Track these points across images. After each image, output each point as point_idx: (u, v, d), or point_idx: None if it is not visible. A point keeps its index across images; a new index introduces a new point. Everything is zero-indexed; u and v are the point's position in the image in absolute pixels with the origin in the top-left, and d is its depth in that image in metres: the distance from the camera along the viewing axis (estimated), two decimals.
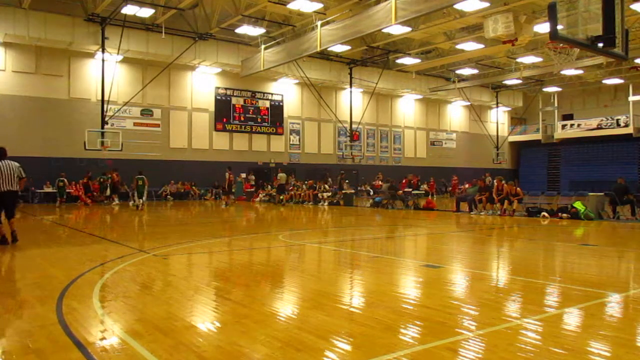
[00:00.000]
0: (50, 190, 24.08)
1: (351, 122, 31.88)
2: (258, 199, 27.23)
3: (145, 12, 22.07)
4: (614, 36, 8.05)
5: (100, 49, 23.43)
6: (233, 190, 24.21)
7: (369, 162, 34.91)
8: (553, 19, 7.88)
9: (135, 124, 26.54)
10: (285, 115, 31.82)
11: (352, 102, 32.06)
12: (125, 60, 25.54)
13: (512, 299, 5.44)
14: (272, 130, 31.31)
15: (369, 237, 11.66)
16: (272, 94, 31.35)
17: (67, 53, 24.51)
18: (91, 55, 24.97)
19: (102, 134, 23.11)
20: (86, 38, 23.38)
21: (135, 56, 25.48)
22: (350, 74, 31.13)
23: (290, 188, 25.94)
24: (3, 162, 9.08)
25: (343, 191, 25.29)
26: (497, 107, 39.82)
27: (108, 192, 23.37)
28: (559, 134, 38.21)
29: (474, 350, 3.67)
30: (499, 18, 18.68)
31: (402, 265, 7.77)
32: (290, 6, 21.18)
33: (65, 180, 22.72)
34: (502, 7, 18.92)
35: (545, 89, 36.95)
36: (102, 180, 23.35)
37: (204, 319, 4.60)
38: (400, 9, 16.51)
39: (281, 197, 24.31)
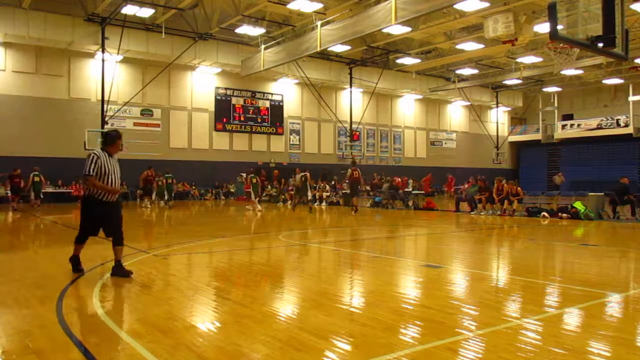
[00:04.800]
0: (51, 190, 24.07)
1: (351, 122, 31.88)
2: (258, 199, 27.18)
3: (145, 12, 22.06)
4: (614, 36, 8.04)
5: (100, 49, 23.43)
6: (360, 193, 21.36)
7: (369, 162, 34.90)
8: (553, 19, 7.87)
9: (135, 124, 26.53)
10: (285, 115, 31.82)
11: (352, 102, 32.06)
12: (125, 60, 25.54)
13: (512, 299, 5.44)
14: (272, 130, 31.31)
15: (369, 237, 11.65)
16: (272, 94, 31.35)
17: (67, 53, 24.51)
18: (91, 55, 24.98)
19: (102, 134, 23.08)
20: (86, 38, 23.38)
21: (135, 56, 25.48)
22: (350, 74, 31.13)
23: (290, 188, 25.87)
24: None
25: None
26: (497, 107, 39.81)
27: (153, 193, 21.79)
28: (559, 134, 38.19)
29: (474, 350, 3.67)
30: (499, 18, 18.68)
31: (402, 265, 7.77)
32: (290, 6, 21.17)
33: (42, 176, 19.90)
34: (502, 7, 18.91)
35: (545, 89, 36.94)
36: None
37: (204, 319, 4.60)
38: (400, 9, 16.50)
39: (309, 202, 21.30)
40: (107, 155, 6.27)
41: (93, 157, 6.17)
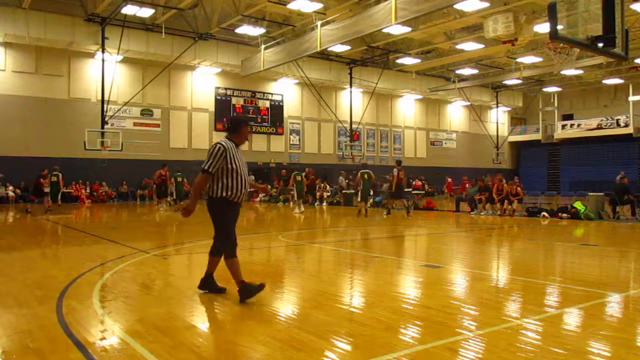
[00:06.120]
0: (50, 189, 24.01)
1: (351, 122, 31.87)
2: (258, 199, 27.25)
3: (145, 12, 22.06)
4: (614, 36, 8.03)
5: (100, 49, 23.43)
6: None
7: (369, 162, 34.87)
8: (553, 19, 7.86)
9: (135, 124, 26.53)
10: (285, 115, 31.82)
11: (352, 102, 32.05)
12: (125, 60, 25.54)
13: (512, 299, 5.44)
14: (272, 130, 31.31)
15: (368, 237, 11.65)
16: (272, 94, 31.35)
17: (67, 53, 24.51)
18: (91, 55, 24.97)
19: (102, 134, 23.12)
20: (86, 38, 23.38)
21: (135, 56, 25.48)
22: (350, 74, 31.13)
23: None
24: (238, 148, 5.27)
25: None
26: (497, 107, 39.81)
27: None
28: (559, 134, 38.20)
29: (474, 350, 3.67)
30: (499, 18, 18.67)
31: (402, 265, 7.77)
32: (290, 6, 21.18)
33: (60, 175, 18.44)
34: (502, 7, 18.91)
35: (545, 89, 36.94)
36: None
37: (204, 319, 4.60)
38: (400, 9, 16.50)
39: (366, 204, 17.63)
40: (235, 146, 5.16)
41: (220, 149, 5.00)
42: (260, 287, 5.03)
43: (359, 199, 17.50)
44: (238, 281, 5.05)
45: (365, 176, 16.87)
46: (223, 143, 5.06)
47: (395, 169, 16.95)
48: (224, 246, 5.25)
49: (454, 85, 33.83)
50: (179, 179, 19.81)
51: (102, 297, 5.20)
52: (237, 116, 5.16)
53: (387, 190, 21.93)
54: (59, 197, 18.89)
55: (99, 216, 17.47)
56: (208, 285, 5.35)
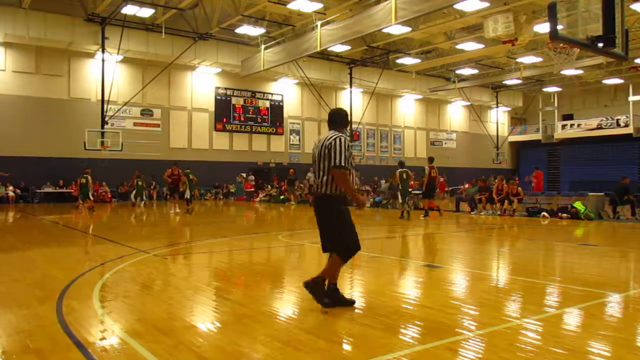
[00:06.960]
0: (51, 190, 24.08)
1: (351, 122, 31.84)
2: (258, 199, 27.26)
3: (145, 12, 22.05)
4: (614, 36, 8.03)
5: (100, 49, 23.43)
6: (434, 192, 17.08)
7: (369, 162, 34.90)
8: (553, 19, 7.86)
9: (135, 124, 26.53)
10: (285, 115, 31.82)
11: (352, 102, 32.04)
12: (125, 60, 25.54)
13: (512, 299, 5.44)
14: (272, 130, 31.31)
15: (369, 237, 11.64)
16: (272, 94, 31.35)
17: (67, 53, 24.51)
18: (91, 55, 24.97)
19: (102, 134, 23.12)
20: (86, 38, 23.38)
21: (135, 56, 25.47)
22: (350, 74, 31.12)
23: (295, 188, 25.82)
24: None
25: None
26: (497, 107, 39.81)
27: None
28: (559, 134, 38.18)
29: (474, 350, 3.67)
30: (499, 18, 18.68)
31: (402, 265, 7.77)
32: (290, 6, 21.17)
33: (89, 177, 18.76)
34: (502, 7, 18.91)
35: (545, 89, 36.92)
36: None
37: (204, 319, 4.60)
38: (400, 9, 16.50)
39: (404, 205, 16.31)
40: None
41: (347, 142, 4.51)
42: (351, 302, 4.88)
43: (399, 200, 16.78)
44: (331, 282, 4.83)
45: (404, 175, 15.75)
46: (344, 136, 4.57)
47: (426, 167, 16.14)
48: (350, 244, 4.71)
49: (454, 85, 33.81)
50: (190, 177, 18.45)
51: (102, 297, 5.20)
52: (343, 110, 4.75)
53: (386, 189, 21.97)
54: (83, 200, 18.82)
55: (99, 216, 17.47)
56: (337, 300, 4.81)
